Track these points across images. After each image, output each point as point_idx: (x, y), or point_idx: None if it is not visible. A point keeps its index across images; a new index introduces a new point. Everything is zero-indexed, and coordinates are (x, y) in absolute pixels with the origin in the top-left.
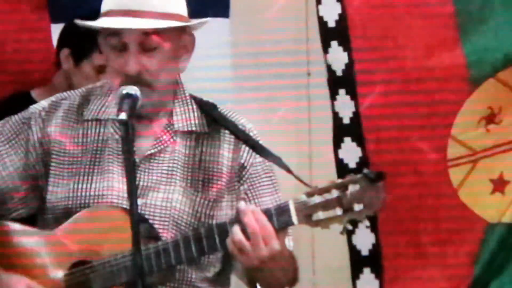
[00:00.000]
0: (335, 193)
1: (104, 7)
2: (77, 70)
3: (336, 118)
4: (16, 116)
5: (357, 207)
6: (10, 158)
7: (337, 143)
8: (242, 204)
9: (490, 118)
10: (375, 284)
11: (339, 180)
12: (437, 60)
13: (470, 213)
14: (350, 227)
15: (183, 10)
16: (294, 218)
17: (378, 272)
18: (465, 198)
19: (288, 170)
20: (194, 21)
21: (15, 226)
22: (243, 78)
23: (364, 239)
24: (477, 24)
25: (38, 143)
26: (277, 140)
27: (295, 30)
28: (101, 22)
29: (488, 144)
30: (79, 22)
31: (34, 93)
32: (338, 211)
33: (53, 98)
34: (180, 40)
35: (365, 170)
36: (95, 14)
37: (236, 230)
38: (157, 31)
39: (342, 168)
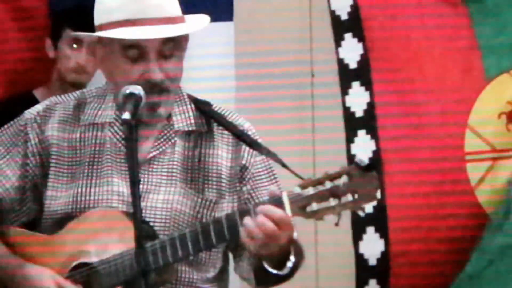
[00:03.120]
0: (328, 184)
1: (113, 17)
2: (58, 54)
3: (348, 112)
4: (12, 124)
5: (351, 197)
6: (11, 168)
7: (350, 138)
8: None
9: (511, 116)
10: None
11: (333, 171)
12: (452, 52)
13: (486, 216)
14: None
15: (180, 10)
16: (288, 210)
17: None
18: (481, 198)
19: (284, 165)
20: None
21: (17, 231)
22: (247, 80)
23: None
24: (492, 19)
25: (36, 148)
26: (281, 139)
27: (299, 32)
28: (128, 34)
29: (508, 144)
30: (101, 34)
31: (36, 93)
32: (332, 202)
33: (47, 102)
34: (182, 41)
35: (358, 160)
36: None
37: (249, 221)
38: (175, 37)
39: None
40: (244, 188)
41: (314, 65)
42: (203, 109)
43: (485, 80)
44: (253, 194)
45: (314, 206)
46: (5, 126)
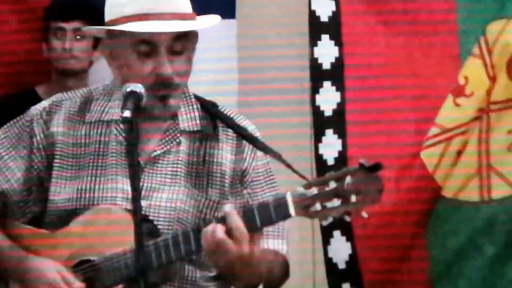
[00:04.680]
0: (332, 185)
1: (125, 11)
2: (50, 50)
3: (317, 111)
4: (19, 120)
5: (355, 198)
6: (17, 163)
7: (318, 137)
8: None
9: (458, 91)
10: None
11: (337, 172)
12: (431, 53)
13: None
14: (348, 218)
15: (191, 7)
16: (292, 210)
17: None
18: (441, 182)
19: (288, 166)
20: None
21: (20, 228)
22: (249, 79)
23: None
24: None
25: (41, 144)
26: (283, 134)
27: (302, 30)
28: (141, 27)
29: (459, 119)
30: (113, 27)
31: (38, 90)
32: (336, 203)
33: (53, 99)
34: (192, 38)
35: (362, 161)
36: None
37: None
38: (186, 33)
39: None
40: (245, 191)
41: None
42: (209, 109)
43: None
44: (254, 198)
45: (318, 206)
46: (12, 122)
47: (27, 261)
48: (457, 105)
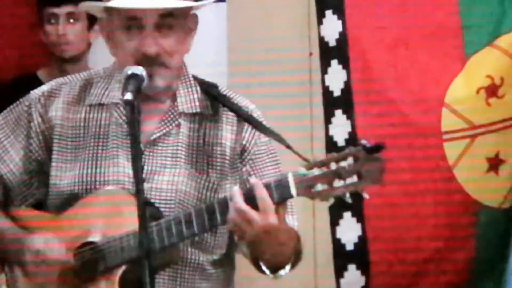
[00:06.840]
0: (334, 166)
1: None
2: (45, 36)
3: (326, 91)
4: (18, 104)
5: (356, 179)
6: (15, 148)
7: (328, 118)
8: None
9: (491, 90)
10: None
11: (338, 153)
12: (432, 25)
13: (465, 194)
14: (349, 200)
15: None
16: (293, 191)
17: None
18: (460, 177)
19: (288, 146)
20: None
21: (23, 211)
22: (239, 63)
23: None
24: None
25: (39, 128)
26: (278, 114)
27: (293, 12)
28: (123, 2)
29: (488, 118)
30: (98, 3)
31: (40, 74)
32: (337, 183)
33: (53, 83)
34: (187, 19)
35: (363, 142)
36: None
37: (240, 200)
38: (172, 11)
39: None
40: (244, 169)
41: (312, 45)
42: (209, 91)
43: (465, 57)
44: (253, 176)
45: (319, 187)
46: (11, 106)
47: (25, 239)
48: (488, 104)
